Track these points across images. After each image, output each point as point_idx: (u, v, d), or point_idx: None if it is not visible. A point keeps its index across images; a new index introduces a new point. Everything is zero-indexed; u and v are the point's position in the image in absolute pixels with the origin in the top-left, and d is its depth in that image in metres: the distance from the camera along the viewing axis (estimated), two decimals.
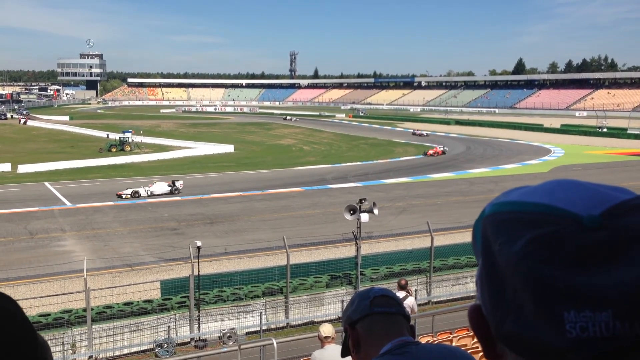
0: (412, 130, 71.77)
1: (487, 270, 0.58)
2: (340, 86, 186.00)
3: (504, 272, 0.55)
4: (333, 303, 15.90)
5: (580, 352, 0.50)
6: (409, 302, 11.17)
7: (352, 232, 16.05)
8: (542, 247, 0.53)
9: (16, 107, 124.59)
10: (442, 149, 51.39)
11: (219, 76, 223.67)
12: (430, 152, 50.91)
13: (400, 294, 11.08)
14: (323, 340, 5.89)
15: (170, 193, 31.43)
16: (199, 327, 14.45)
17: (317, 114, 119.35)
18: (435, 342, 8.39)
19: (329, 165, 43.84)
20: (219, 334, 14.28)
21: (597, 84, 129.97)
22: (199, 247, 13.82)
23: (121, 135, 56.42)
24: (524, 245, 0.54)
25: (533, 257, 0.53)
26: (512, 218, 0.57)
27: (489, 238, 0.59)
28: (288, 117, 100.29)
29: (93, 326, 13.37)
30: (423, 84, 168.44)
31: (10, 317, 0.67)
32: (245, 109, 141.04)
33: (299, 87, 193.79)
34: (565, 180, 0.60)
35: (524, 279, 0.53)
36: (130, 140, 54.57)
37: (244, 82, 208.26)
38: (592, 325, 0.50)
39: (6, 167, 40.77)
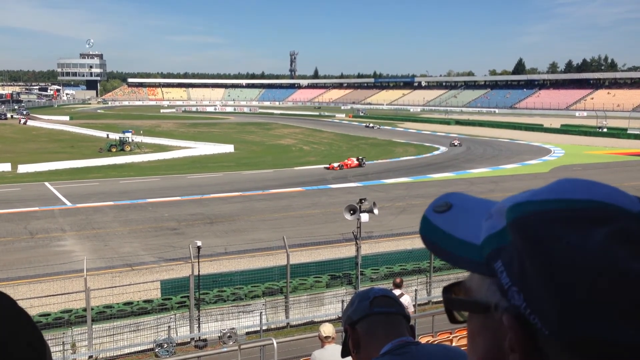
0: (450, 136, 63.59)
1: (544, 273, 0.53)
2: (340, 86, 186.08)
3: (575, 272, 0.51)
4: (333, 303, 15.89)
5: None
6: (405, 301, 11.21)
7: (352, 232, 16.04)
8: (623, 243, 0.51)
9: (16, 107, 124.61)
10: (358, 160, 42.05)
11: (219, 76, 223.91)
12: (335, 164, 40.74)
13: (396, 292, 11.13)
14: (323, 340, 5.89)
15: None
16: (199, 327, 14.45)
17: (317, 114, 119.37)
18: (435, 342, 8.40)
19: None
20: (219, 334, 14.28)
21: (597, 84, 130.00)
22: (199, 247, 13.82)
23: (121, 135, 56.39)
24: (603, 242, 0.51)
25: (618, 254, 0.50)
26: (567, 216, 0.54)
27: (541, 238, 0.54)
28: (370, 125, 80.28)
29: (93, 326, 13.37)
30: (423, 84, 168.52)
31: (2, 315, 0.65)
32: (245, 109, 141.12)
33: (299, 87, 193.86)
34: (577, 178, 0.59)
35: (613, 277, 0.50)
36: (130, 140, 54.53)
37: (244, 82, 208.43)
38: None
39: (6, 167, 40.73)
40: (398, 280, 11.75)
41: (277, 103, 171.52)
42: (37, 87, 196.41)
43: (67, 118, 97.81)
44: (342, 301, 15.43)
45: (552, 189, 0.59)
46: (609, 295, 0.50)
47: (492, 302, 0.60)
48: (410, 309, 11.75)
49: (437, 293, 17.14)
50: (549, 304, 0.53)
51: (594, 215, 0.54)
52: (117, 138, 55.27)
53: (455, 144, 58.04)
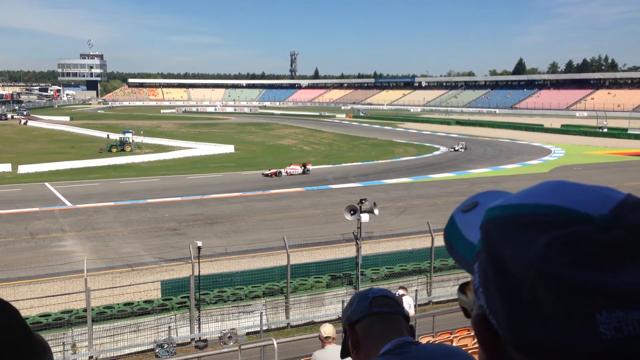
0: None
1: (496, 276, 0.56)
2: (340, 86, 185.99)
3: (519, 277, 0.53)
4: (333, 303, 15.90)
5: (616, 353, 0.49)
6: (408, 301, 11.26)
7: (353, 233, 16.04)
8: (563, 249, 0.52)
9: (16, 107, 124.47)
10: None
11: (219, 76, 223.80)
12: None
13: (399, 292, 11.18)
14: (324, 341, 5.89)
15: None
16: (199, 327, 14.45)
17: (318, 114, 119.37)
18: (436, 342, 8.39)
19: (330, 166, 43.84)
20: (220, 334, 14.28)
21: (598, 84, 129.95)
22: (199, 248, 13.82)
23: (121, 135, 56.40)
24: (542, 248, 0.52)
25: (555, 260, 0.51)
26: (521, 221, 0.55)
27: (495, 243, 0.56)
28: (457, 147, 53.07)
29: (93, 326, 13.37)
30: (423, 84, 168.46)
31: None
32: (246, 109, 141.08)
33: (300, 87, 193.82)
34: (559, 182, 0.59)
35: (549, 283, 0.51)
36: (130, 140, 54.54)
37: (244, 82, 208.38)
38: (626, 325, 0.49)
39: (7, 167, 40.76)
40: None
41: (277, 103, 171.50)
42: (38, 87, 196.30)
43: (67, 118, 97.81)
44: (343, 301, 15.43)
45: (525, 193, 0.59)
46: (548, 300, 0.51)
47: (472, 302, 0.62)
48: (411, 312, 11.74)
49: (437, 293, 17.14)
50: (499, 307, 0.55)
51: (545, 220, 0.54)
52: (118, 138, 55.26)
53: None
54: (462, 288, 0.70)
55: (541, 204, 0.56)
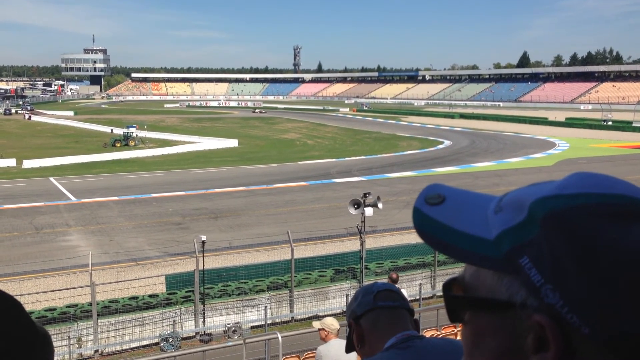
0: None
1: (585, 269, 0.50)
2: (344, 80, 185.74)
3: (618, 267, 0.49)
4: (337, 297, 15.92)
5: None
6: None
7: (357, 227, 16.05)
8: None
9: (20, 102, 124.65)
10: None
11: (222, 71, 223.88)
12: None
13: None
14: (330, 333, 5.85)
15: None
16: (204, 321, 14.50)
17: (321, 108, 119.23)
18: (440, 336, 8.40)
19: (333, 160, 43.79)
20: (224, 328, 14.32)
21: (602, 77, 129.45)
22: (203, 242, 13.84)
23: (125, 130, 56.46)
24: None
25: None
26: (605, 211, 0.52)
27: (579, 233, 0.51)
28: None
29: (99, 320, 13.42)
30: (427, 77, 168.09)
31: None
32: (249, 104, 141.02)
33: (303, 81, 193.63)
34: (596, 173, 0.57)
35: None
36: (134, 135, 54.58)
37: (247, 76, 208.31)
38: None
39: (11, 162, 40.86)
40: (394, 275, 11.53)
41: (281, 97, 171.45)
42: (41, 82, 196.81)
43: (71, 113, 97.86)
44: (347, 295, 15.45)
45: (576, 183, 0.55)
46: None
47: (516, 301, 0.55)
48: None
49: (441, 287, 17.14)
50: (590, 302, 0.50)
51: (631, 209, 0.52)
52: (122, 133, 55.30)
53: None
54: (449, 286, 0.64)
55: (613, 194, 0.53)
